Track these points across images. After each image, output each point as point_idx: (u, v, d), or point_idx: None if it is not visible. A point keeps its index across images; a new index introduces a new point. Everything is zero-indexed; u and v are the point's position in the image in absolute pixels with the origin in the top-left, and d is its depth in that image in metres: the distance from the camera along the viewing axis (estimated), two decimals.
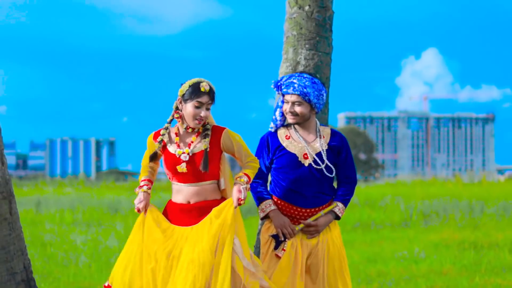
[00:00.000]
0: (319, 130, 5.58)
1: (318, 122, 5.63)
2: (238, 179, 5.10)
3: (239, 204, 4.97)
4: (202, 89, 5.05)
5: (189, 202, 5.13)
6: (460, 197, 22.48)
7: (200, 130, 5.17)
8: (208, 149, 5.09)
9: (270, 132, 5.61)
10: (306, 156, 5.47)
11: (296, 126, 5.56)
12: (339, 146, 5.55)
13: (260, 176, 5.60)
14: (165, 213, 5.24)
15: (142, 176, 5.33)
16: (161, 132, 5.21)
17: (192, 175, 5.10)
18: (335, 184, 5.68)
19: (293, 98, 5.42)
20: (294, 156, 5.49)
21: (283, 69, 6.51)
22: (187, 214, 5.11)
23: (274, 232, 5.49)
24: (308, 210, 5.49)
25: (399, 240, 14.30)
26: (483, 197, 22.72)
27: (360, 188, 31.54)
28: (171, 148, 5.17)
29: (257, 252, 6.09)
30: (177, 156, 5.12)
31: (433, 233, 15.13)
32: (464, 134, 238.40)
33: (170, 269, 4.99)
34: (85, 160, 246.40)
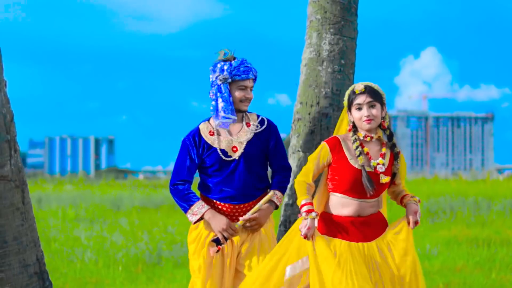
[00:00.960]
0: (244, 117, 5.30)
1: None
2: (411, 198, 4.93)
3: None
4: (356, 91, 4.89)
5: (359, 216, 4.87)
6: (466, 195, 22.29)
7: (384, 141, 4.93)
8: (398, 153, 4.94)
9: (194, 131, 5.29)
10: (235, 149, 5.20)
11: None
12: (266, 133, 5.27)
13: (186, 178, 5.25)
14: (324, 226, 4.91)
15: (303, 199, 4.84)
16: (355, 145, 4.88)
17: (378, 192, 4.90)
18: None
19: (251, 83, 5.23)
20: (222, 151, 5.20)
21: (307, 55, 6.27)
22: (360, 227, 4.85)
23: (214, 236, 5.16)
24: (246, 205, 5.22)
25: None
26: (489, 195, 22.52)
27: None
28: (353, 160, 4.85)
29: None
30: (373, 168, 4.84)
31: (442, 230, 14.93)
32: (463, 133, 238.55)
33: None
34: (84, 158, 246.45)
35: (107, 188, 31.26)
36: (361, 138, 4.87)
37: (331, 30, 6.11)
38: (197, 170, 5.34)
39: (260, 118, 5.32)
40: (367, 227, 4.85)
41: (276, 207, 5.29)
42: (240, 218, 5.17)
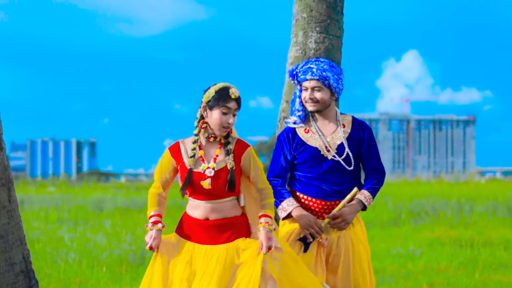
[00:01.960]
0: (339, 119, 5.31)
1: (338, 110, 5.36)
2: (266, 225, 4.81)
3: (268, 251, 4.74)
4: (232, 96, 4.75)
5: (207, 219, 4.83)
6: (449, 197, 22.37)
7: (223, 141, 4.85)
8: (234, 168, 4.78)
9: (288, 128, 5.34)
10: (328, 148, 5.22)
11: (315, 117, 5.29)
12: (360, 136, 5.29)
13: (280, 174, 5.31)
14: (180, 227, 4.92)
15: (152, 210, 4.88)
16: (192, 147, 4.84)
17: (214, 192, 4.80)
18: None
19: (312, 83, 5.16)
20: (316, 150, 5.22)
21: (292, 53, 6.30)
22: (206, 231, 4.81)
23: (301, 235, 5.21)
24: (332, 203, 5.22)
25: (391, 238, 14.14)
26: (472, 197, 22.60)
27: None
28: (195, 165, 4.81)
29: None
30: (202, 172, 4.78)
31: (425, 231, 14.99)
32: (445, 136, 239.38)
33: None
34: (65, 161, 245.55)
35: (89, 190, 31.17)
36: (205, 138, 4.86)
37: (317, 28, 6.13)
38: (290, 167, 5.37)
39: (354, 119, 5.36)
40: (217, 230, 4.81)
41: (364, 207, 5.27)
42: (326, 216, 5.20)
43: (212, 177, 4.76)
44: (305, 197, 5.26)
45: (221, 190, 4.79)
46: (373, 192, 5.31)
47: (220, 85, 4.81)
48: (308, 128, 5.28)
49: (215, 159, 4.80)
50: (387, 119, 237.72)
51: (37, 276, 9.22)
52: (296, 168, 5.32)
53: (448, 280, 9.35)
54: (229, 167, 4.78)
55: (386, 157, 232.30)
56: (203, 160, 4.82)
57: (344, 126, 5.29)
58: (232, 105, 4.76)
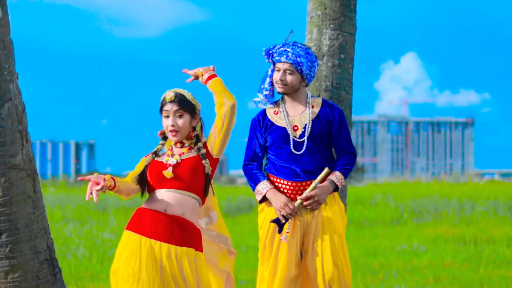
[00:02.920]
0: (309, 101, 5.39)
1: (309, 94, 5.45)
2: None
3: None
4: (167, 99, 4.74)
5: (165, 211, 4.69)
6: (449, 196, 22.45)
7: (192, 146, 4.82)
8: (205, 154, 4.76)
9: (260, 112, 5.43)
10: (296, 127, 5.31)
11: (284, 99, 5.39)
12: (330, 118, 5.35)
13: (254, 158, 5.40)
14: (130, 221, 4.83)
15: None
16: (157, 147, 4.90)
17: (176, 181, 4.70)
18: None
19: (285, 66, 5.26)
20: (283, 129, 5.31)
21: None
22: (160, 225, 4.66)
23: (273, 217, 5.26)
24: (304, 183, 5.27)
25: (394, 236, 14.28)
26: (472, 196, 22.64)
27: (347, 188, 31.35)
28: (160, 158, 4.83)
29: None
30: (164, 163, 4.75)
31: (428, 229, 15.13)
32: (444, 138, 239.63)
33: None
34: (64, 162, 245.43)
35: None
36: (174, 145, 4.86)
37: (331, 25, 6.28)
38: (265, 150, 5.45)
39: (325, 102, 5.44)
40: (170, 226, 4.68)
41: (337, 187, 5.31)
42: (298, 197, 5.25)
43: (174, 165, 4.71)
44: (277, 179, 5.33)
45: (184, 177, 4.72)
46: (345, 173, 5.36)
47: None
48: (277, 110, 5.37)
49: (180, 154, 4.78)
50: (386, 121, 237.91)
51: None
52: (267, 151, 5.40)
53: (454, 274, 9.49)
54: (206, 171, 4.75)
55: (384, 159, 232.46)
56: (168, 156, 4.80)
57: (313, 107, 5.36)
58: (169, 107, 4.75)
